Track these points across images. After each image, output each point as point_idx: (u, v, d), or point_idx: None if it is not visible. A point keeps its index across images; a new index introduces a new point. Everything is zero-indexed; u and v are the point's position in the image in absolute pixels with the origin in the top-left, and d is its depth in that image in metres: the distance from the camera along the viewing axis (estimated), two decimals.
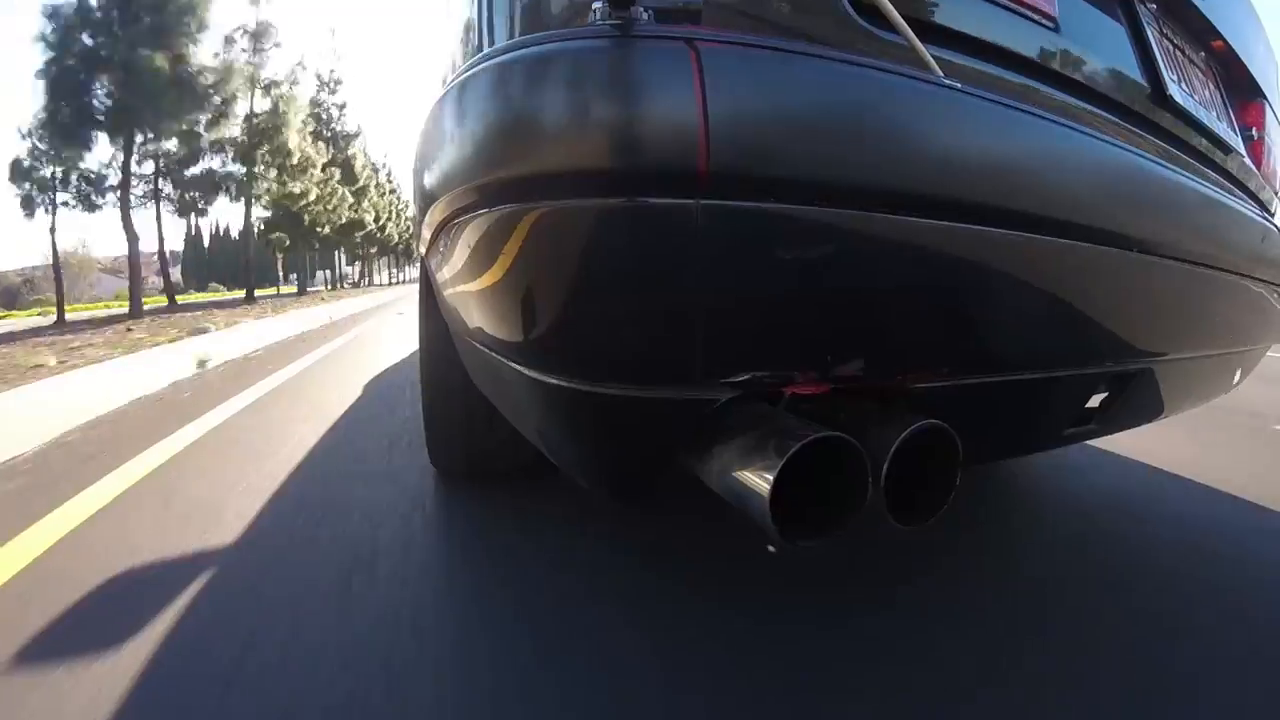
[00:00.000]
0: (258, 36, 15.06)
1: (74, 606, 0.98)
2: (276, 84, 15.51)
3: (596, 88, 0.50)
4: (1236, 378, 1.29)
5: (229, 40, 14.30)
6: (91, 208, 12.44)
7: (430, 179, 0.69)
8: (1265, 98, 1.19)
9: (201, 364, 3.88)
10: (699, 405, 0.66)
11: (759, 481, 0.59)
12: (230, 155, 14.31)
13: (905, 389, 0.72)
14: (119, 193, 12.34)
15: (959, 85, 0.62)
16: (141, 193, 13.41)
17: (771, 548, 1.12)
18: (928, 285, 0.63)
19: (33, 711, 0.74)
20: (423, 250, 0.91)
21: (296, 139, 15.40)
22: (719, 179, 0.50)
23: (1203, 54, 1.10)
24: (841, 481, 0.62)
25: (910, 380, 0.71)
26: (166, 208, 14.20)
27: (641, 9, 0.51)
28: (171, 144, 12.89)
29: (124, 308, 13.50)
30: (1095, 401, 0.97)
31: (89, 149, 11.86)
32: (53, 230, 12.73)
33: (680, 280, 0.54)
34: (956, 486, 0.67)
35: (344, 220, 22.94)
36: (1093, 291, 0.76)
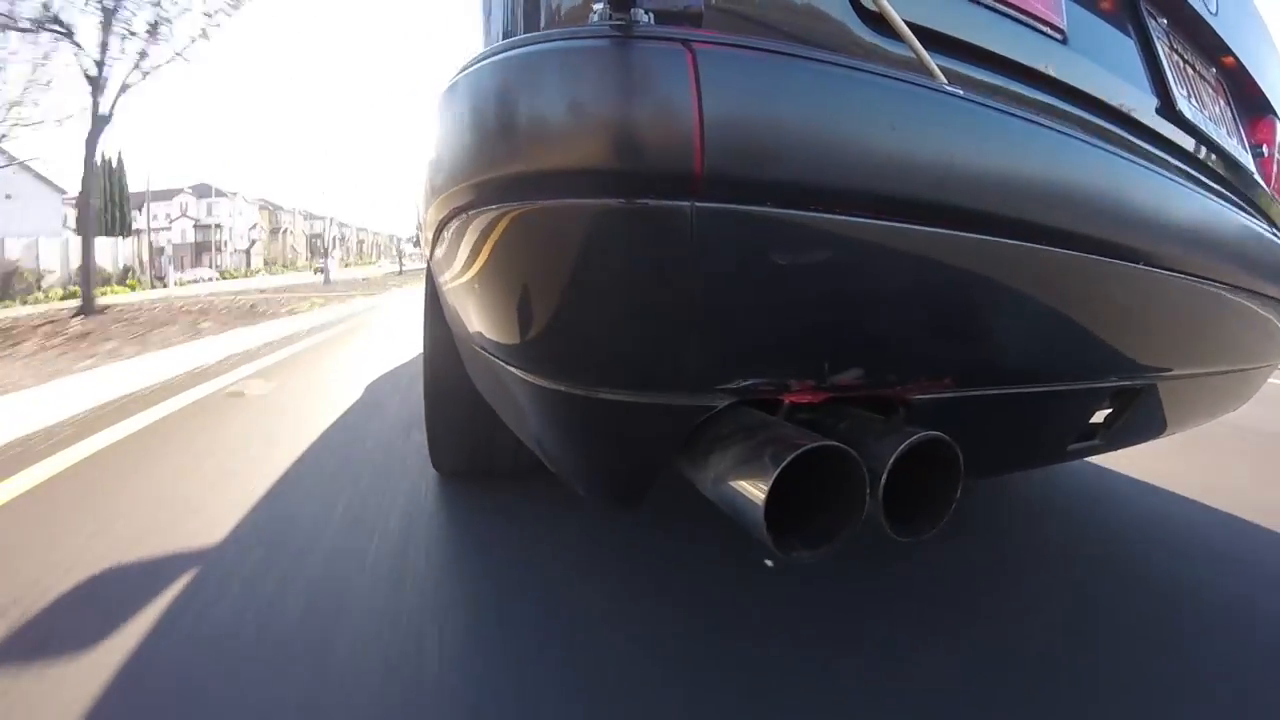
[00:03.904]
0: None
1: None
2: None
3: (591, 88, 0.49)
4: (1243, 395, 1.27)
5: None
6: None
7: (430, 177, 0.68)
8: (1276, 114, 1.18)
9: None
10: (695, 412, 0.65)
11: (754, 491, 0.58)
12: None
13: (906, 399, 0.71)
14: None
15: (960, 92, 0.61)
16: None
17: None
18: (928, 294, 0.62)
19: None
20: (426, 251, 0.91)
21: None
22: (714, 182, 0.49)
23: (1213, 69, 1.10)
24: (839, 492, 0.61)
25: (911, 390, 0.70)
26: None
27: (642, 11, 0.51)
28: None
29: None
30: (1100, 417, 0.96)
31: None
32: None
33: (675, 284, 0.53)
34: (957, 500, 0.66)
35: None
36: (1096, 305, 0.74)
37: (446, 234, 0.68)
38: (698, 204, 0.50)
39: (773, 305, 0.57)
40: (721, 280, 0.54)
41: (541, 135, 0.51)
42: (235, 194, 47.10)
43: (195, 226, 45.49)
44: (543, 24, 0.64)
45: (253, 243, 49.17)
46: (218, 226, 45.29)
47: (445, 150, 0.62)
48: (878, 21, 0.64)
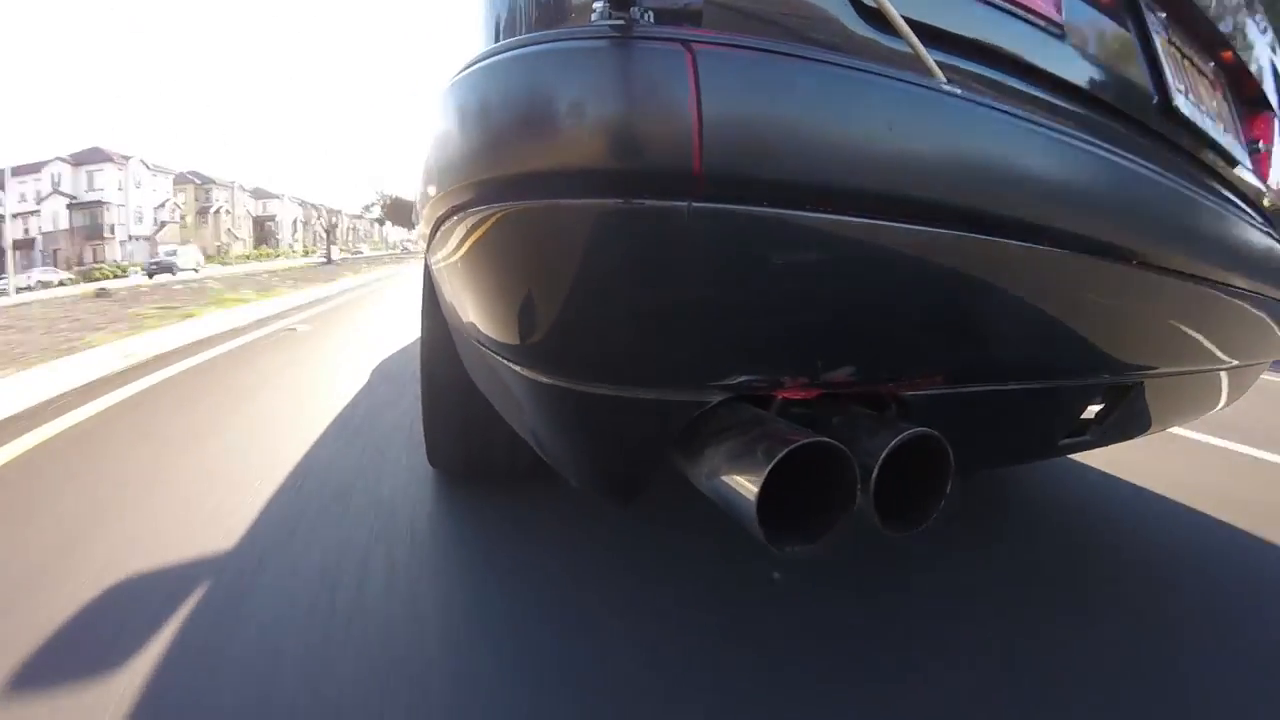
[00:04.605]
0: None
1: None
2: None
3: (591, 87, 0.50)
4: (1236, 392, 1.28)
5: None
6: None
7: (430, 175, 0.69)
8: (1273, 110, 1.18)
9: None
10: (689, 407, 0.66)
11: (746, 485, 0.59)
12: None
13: (898, 395, 0.72)
14: None
15: (958, 90, 0.61)
16: None
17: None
18: (921, 292, 0.63)
19: None
20: (424, 246, 0.91)
21: None
22: (712, 181, 0.49)
23: (1211, 64, 1.09)
24: (831, 487, 0.62)
25: (903, 387, 0.71)
26: None
27: (640, 10, 0.51)
28: None
29: None
30: (1091, 412, 0.97)
31: None
32: None
33: (671, 282, 0.54)
34: (947, 495, 0.67)
35: None
36: (1090, 302, 0.75)
37: (444, 231, 0.68)
38: (694, 204, 0.50)
39: (768, 303, 0.57)
40: (717, 279, 0.54)
41: (541, 135, 0.52)
42: (130, 158, 33.83)
43: (72, 206, 32.32)
44: (542, 24, 0.64)
45: (161, 225, 35.69)
46: (102, 205, 31.92)
47: (444, 149, 0.62)
48: (876, 18, 0.63)
